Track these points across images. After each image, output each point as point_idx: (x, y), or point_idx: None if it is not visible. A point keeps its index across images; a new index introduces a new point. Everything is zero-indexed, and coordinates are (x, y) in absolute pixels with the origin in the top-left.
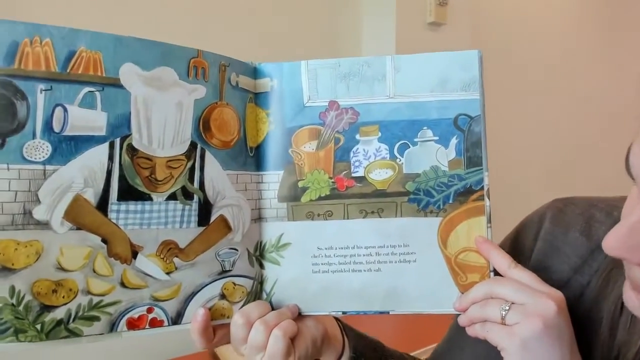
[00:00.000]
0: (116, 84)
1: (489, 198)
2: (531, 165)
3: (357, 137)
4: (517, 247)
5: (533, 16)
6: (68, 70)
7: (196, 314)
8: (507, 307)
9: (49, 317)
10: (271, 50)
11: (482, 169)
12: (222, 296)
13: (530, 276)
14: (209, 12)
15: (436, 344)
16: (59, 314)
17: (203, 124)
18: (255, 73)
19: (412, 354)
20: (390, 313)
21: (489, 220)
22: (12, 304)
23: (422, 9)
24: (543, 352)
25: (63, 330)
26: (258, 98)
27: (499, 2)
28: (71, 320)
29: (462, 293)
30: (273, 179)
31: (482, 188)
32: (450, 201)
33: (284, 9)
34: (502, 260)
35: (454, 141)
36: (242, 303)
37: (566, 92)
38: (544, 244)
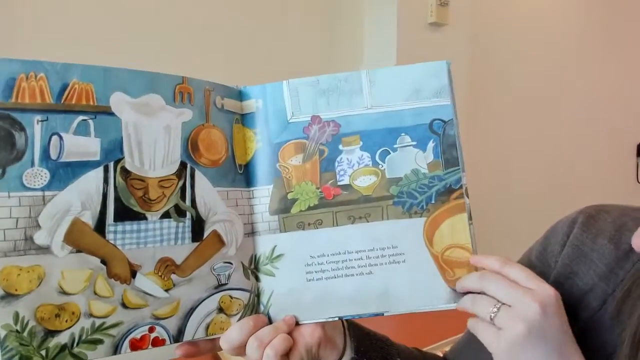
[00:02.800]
0: (107, 112)
1: (467, 196)
2: (531, 164)
3: (340, 147)
4: (546, 249)
5: (534, 17)
6: (62, 102)
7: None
8: (496, 309)
9: (54, 342)
10: (273, 51)
11: (459, 168)
12: (220, 310)
13: (523, 271)
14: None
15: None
16: (63, 338)
17: (191, 145)
18: (240, 95)
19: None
20: (385, 314)
21: (470, 217)
22: (17, 331)
23: (424, 9)
24: (528, 354)
25: (68, 355)
26: (245, 119)
27: (500, 2)
28: (75, 345)
29: (451, 288)
30: (263, 194)
31: (462, 187)
32: (433, 201)
33: (285, 10)
34: (494, 263)
35: (431, 145)
36: (239, 315)
37: (566, 92)
38: (572, 249)
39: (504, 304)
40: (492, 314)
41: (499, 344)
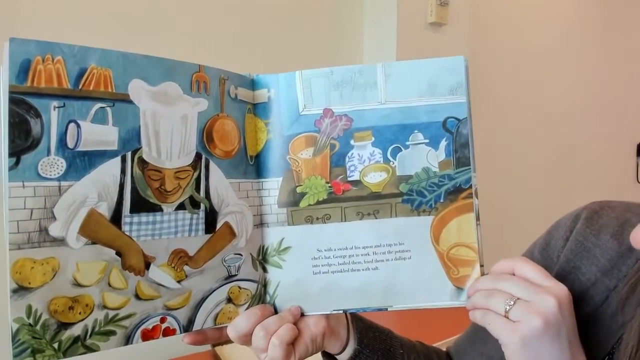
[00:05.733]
0: (126, 100)
1: (477, 197)
2: (531, 164)
3: (352, 142)
4: (549, 244)
5: (533, 17)
6: (80, 87)
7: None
8: (512, 302)
9: (66, 334)
10: (273, 50)
11: (470, 168)
12: (229, 300)
13: (536, 269)
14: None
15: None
16: (76, 330)
17: (207, 136)
18: (253, 84)
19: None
20: (388, 309)
21: (478, 218)
22: (29, 324)
23: (423, 9)
24: (542, 349)
25: (80, 347)
26: (256, 108)
27: (500, 2)
28: (88, 337)
29: (455, 286)
30: (273, 186)
31: (471, 187)
32: (442, 200)
33: (285, 9)
34: (505, 266)
35: (443, 143)
36: (247, 305)
37: (566, 92)
38: (575, 244)
39: (519, 298)
40: (508, 307)
41: (513, 337)
